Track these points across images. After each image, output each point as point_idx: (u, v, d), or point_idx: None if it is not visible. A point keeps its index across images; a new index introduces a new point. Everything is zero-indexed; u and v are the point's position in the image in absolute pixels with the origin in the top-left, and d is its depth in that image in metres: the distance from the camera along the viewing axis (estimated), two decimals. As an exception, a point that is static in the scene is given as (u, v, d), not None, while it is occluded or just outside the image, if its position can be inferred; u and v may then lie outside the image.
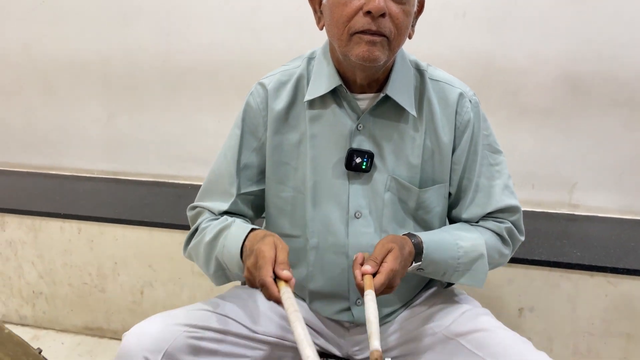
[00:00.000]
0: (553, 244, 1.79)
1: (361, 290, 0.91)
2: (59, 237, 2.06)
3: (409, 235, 1.03)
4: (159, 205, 2.15)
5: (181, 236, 1.91)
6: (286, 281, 0.86)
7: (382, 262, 0.93)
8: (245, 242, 1.00)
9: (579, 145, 2.01)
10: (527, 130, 2.03)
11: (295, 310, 0.79)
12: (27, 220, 2.08)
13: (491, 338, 1.02)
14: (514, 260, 1.70)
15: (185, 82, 2.34)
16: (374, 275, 0.92)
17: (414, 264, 1.02)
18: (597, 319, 1.68)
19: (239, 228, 1.04)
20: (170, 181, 2.46)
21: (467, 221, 1.15)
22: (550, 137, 2.02)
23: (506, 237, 1.13)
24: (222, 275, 1.11)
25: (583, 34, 1.91)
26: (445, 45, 2.02)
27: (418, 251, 1.01)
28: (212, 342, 1.01)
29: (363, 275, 0.91)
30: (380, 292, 0.92)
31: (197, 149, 2.40)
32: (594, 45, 1.91)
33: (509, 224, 1.14)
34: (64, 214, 2.04)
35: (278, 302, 0.85)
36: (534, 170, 2.07)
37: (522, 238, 1.18)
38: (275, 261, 0.89)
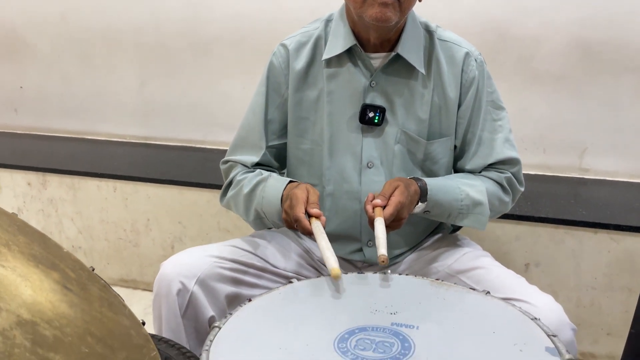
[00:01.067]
0: (560, 204, 1.88)
1: (372, 222, 1.03)
2: (96, 196, 2.22)
3: (415, 178, 1.14)
4: (188, 167, 2.29)
5: (209, 195, 2.07)
6: (317, 218, 1.01)
7: (390, 196, 1.04)
8: (284, 192, 1.12)
9: (590, 110, 2.07)
10: (540, 95, 2.10)
11: (322, 233, 0.94)
12: (67, 180, 2.24)
13: (488, 274, 1.13)
14: (520, 218, 1.80)
15: (211, 50, 2.45)
16: (383, 208, 1.03)
17: (419, 205, 1.12)
18: (599, 273, 1.77)
19: (277, 181, 1.17)
20: (198, 146, 2.60)
21: (470, 171, 1.25)
22: (562, 103, 2.09)
23: (506, 186, 1.23)
24: (260, 222, 1.25)
25: (595, 0, 1.96)
26: (462, 13, 2.08)
27: (423, 192, 1.12)
28: (238, 273, 1.14)
29: (374, 208, 1.03)
30: (389, 224, 1.03)
31: (223, 114, 2.51)
32: (606, 12, 1.96)
33: (509, 174, 1.23)
34: (100, 174, 2.19)
35: (310, 233, 0.99)
36: (546, 135, 2.13)
37: (522, 188, 1.28)
38: (307, 202, 1.02)
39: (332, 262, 0.87)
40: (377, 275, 0.84)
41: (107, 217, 2.24)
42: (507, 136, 1.24)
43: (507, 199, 1.25)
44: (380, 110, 1.18)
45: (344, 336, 0.62)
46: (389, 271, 0.87)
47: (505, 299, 1.06)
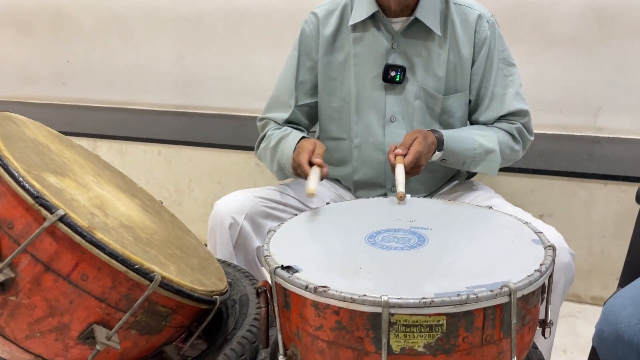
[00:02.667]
0: (574, 160, 2.00)
1: (394, 169, 1.18)
2: (142, 159, 2.42)
3: (433, 130, 1.29)
4: (224, 133, 2.47)
5: (245, 156, 2.25)
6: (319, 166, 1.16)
7: (410, 146, 1.20)
8: (298, 144, 1.29)
9: (604, 72, 2.17)
10: (555, 58, 2.21)
11: (315, 173, 1.11)
12: (116, 145, 2.45)
13: (500, 210, 1.28)
14: (535, 172, 1.93)
15: (244, 23, 2.61)
16: (404, 157, 1.19)
17: (437, 153, 1.27)
18: (609, 222, 1.90)
19: (293, 137, 1.33)
20: (232, 113, 2.78)
21: (484, 123, 1.39)
22: (576, 65, 2.19)
23: (516, 135, 1.37)
24: (282, 173, 1.42)
25: (609, -35, 2.05)
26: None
27: (440, 142, 1.27)
28: (278, 211, 1.32)
29: (395, 156, 1.19)
30: (409, 170, 1.19)
31: (254, 84, 2.68)
32: (619, -24, 2.05)
33: (519, 125, 1.37)
34: (146, 139, 2.39)
35: (307, 177, 1.14)
36: (562, 96, 2.25)
37: (532, 138, 1.41)
38: (313, 153, 1.18)
39: (311, 183, 1.04)
40: (392, 198, 1.00)
41: (152, 179, 2.44)
42: (518, 90, 1.37)
43: (517, 147, 1.39)
44: (401, 70, 1.33)
45: (372, 234, 0.79)
46: (409, 195, 1.03)
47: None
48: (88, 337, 0.73)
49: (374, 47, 1.34)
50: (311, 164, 1.17)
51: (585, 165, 1.94)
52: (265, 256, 0.74)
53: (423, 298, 0.59)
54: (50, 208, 0.68)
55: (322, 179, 1.15)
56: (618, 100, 2.20)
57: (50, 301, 0.70)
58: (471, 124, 1.43)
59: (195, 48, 2.74)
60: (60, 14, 2.90)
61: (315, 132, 1.52)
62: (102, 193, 0.87)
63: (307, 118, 1.47)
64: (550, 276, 0.74)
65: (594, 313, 1.83)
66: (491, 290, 0.61)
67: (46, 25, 2.96)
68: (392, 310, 0.60)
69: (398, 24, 1.33)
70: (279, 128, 1.42)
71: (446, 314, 0.60)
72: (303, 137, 1.32)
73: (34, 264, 0.69)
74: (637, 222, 1.41)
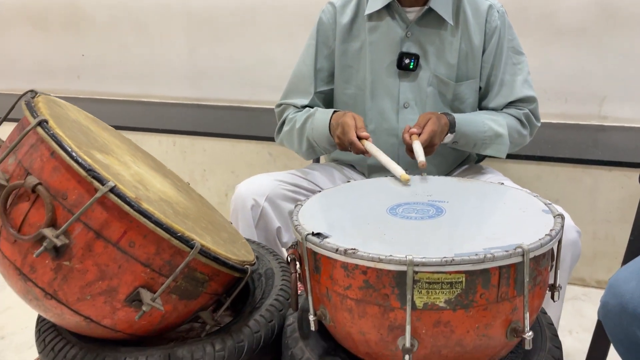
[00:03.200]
0: (580, 148, 2.06)
1: (409, 148, 1.24)
2: (158, 149, 2.49)
3: (445, 113, 1.35)
4: (236, 123, 2.53)
5: (258, 146, 2.32)
6: (366, 139, 1.24)
7: (424, 126, 1.25)
8: (331, 121, 1.35)
9: (609, 62, 2.22)
10: (562, 49, 2.26)
11: (378, 150, 1.18)
12: (131, 136, 2.48)
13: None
14: (541, 159, 1.99)
15: (254, 17, 2.67)
16: (419, 135, 1.24)
17: (449, 135, 1.33)
18: (614, 207, 1.96)
19: (323, 113, 1.39)
20: (244, 105, 2.84)
21: (493, 109, 1.45)
22: (582, 55, 2.24)
23: (524, 120, 1.43)
24: (312, 151, 1.47)
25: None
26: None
27: (452, 125, 1.33)
28: (296, 194, 1.38)
29: (410, 136, 1.24)
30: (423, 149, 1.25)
31: (266, 76, 2.74)
32: (624, -33, 2.10)
33: (527, 111, 1.43)
34: (161, 129, 2.46)
35: (363, 152, 1.21)
36: (567, 86, 2.30)
37: (539, 123, 1.47)
38: (356, 127, 1.24)
39: (398, 170, 1.09)
40: (417, 177, 1.07)
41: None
42: (526, 77, 1.43)
43: (525, 132, 1.45)
44: (415, 57, 1.39)
45: (393, 207, 0.85)
46: (425, 173, 1.09)
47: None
48: (134, 299, 0.79)
49: (389, 35, 1.40)
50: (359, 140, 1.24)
51: (590, 152, 1.99)
52: (295, 225, 0.80)
53: (444, 257, 0.66)
54: (101, 180, 0.74)
55: None
56: (622, 90, 2.25)
57: (100, 266, 0.76)
58: (481, 110, 1.49)
59: (207, 41, 2.80)
60: (75, 9, 2.96)
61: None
62: (139, 171, 0.93)
63: (324, 104, 1.53)
64: (559, 243, 0.81)
65: (599, 296, 1.89)
66: (506, 251, 0.67)
67: (61, 20, 3.03)
68: (416, 269, 0.66)
69: (412, 13, 1.38)
70: (299, 111, 1.48)
71: (465, 272, 0.66)
72: (335, 112, 1.37)
73: (86, 232, 0.75)
74: (640, 202, 1.46)
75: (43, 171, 0.76)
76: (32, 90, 0.88)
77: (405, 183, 1.01)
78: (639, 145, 2.05)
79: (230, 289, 0.95)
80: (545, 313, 0.93)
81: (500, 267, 0.67)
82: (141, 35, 2.90)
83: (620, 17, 2.16)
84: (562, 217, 0.78)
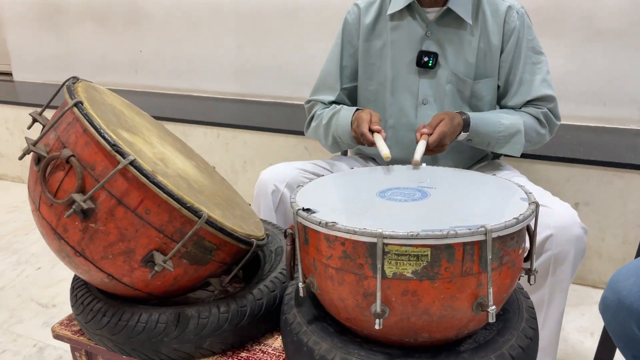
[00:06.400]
0: (613, 150, 2.04)
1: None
2: (203, 141, 2.64)
3: (461, 112, 1.40)
4: (277, 118, 2.65)
5: (295, 140, 2.42)
6: (377, 132, 1.30)
7: (436, 127, 1.32)
8: (352, 118, 1.43)
9: (650, 64, 2.19)
10: (600, 51, 2.24)
11: (380, 139, 1.25)
12: (180, 127, 2.68)
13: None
14: (572, 161, 1.99)
15: (297, 17, 2.78)
16: (429, 136, 1.31)
17: (462, 134, 1.38)
18: (644, 212, 1.93)
19: (347, 110, 1.48)
20: (286, 102, 2.96)
21: (512, 108, 1.49)
22: (621, 58, 2.22)
23: (542, 119, 1.46)
24: (336, 146, 1.57)
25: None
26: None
27: (466, 123, 1.38)
28: (316, 182, 1.48)
29: (421, 135, 1.31)
30: (433, 148, 1.31)
31: (307, 74, 2.84)
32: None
33: (545, 110, 1.46)
34: (206, 122, 2.61)
35: (372, 144, 1.28)
36: (606, 90, 2.28)
37: (558, 122, 1.50)
38: (370, 121, 1.32)
39: (384, 149, 1.17)
40: (411, 167, 1.14)
41: (211, 160, 2.63)
42: (545, 77, 1.46)
43: (543, 131, 1.47)
44: (434, 56, 1.45)
45: (383, 190, 0.93)
46: (424, 164, 1.16)
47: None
48: (148, 261, 0.91)
49: (410, 34, 1.46)
50: (371, 132, 1.31)
51: (623, 155, 1.98)
52: (291, 202, 0.89)
53: (411, 232, 0.73)
54: (123, 154, 0.86)
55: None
56: (664, 94, 2.21)
57: (121, 229, 0.88)
58: (501, 108, 1.53)
59: (254, 39, 2.94)
60: (135, 8, 3.17)
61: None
62: (163, 151, 1.05)
63: (350, 100, 1.62)
64: (535, 230, 0.86)
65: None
66: (469, 229, 0.73)
67: (122, 18, 3.25)
68: (385, 241, 0.74)
69: (432, 13, 1.45)
70: (327, 107, 1.57)
71: (430, 246, 0.74)
72: (357, 110, 1.45)
73: (109, 198, 0.87)
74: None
75: (76, 145, 0.89)
76: (74, 77, 1.01)
77: (386, 159, 1.08)
78: (676, 150, 2.01)
79: (240, 260, 1.06)
80: (528, 298, 0.98)
81: (464, 244, 0.74)
82: (193, 33, 3.08)
83: (662, 20, 2.13)
84: (537, 205, 0.84)
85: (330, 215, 0.82)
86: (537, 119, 1.46)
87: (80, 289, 1.04)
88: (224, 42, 3.01)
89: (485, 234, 0.74)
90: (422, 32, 1.45)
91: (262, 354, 1.00)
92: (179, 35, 3.12)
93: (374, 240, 0.74)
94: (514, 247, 0.80)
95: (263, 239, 1.07)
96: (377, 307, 0.77)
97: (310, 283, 0.87)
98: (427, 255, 0.74)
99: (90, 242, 0.89)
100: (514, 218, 0.77)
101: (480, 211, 0.84)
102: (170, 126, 2.68)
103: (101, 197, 0.87)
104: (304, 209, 0.84)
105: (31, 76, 3.69)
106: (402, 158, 1.54)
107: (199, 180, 1.07)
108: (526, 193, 0.89)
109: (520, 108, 1.48)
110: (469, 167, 1.57)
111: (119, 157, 0.86)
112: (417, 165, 1.14)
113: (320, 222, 0.79)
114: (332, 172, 1.52)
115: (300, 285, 0.88)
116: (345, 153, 1.85)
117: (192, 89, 3.19)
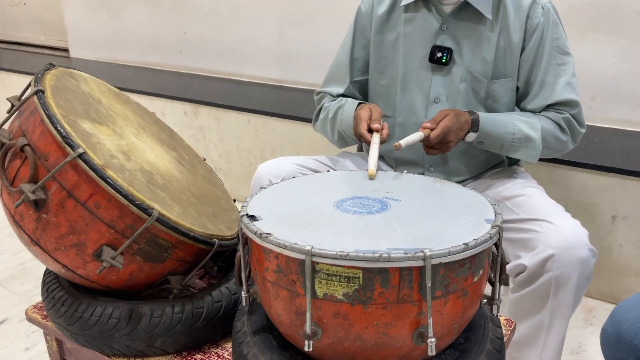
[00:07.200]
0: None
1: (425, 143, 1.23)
2: (234, 126, 2.64)
3: (470, 112, 1.29)
4: (310, 107, 2.59)
5: (323, 130, 2.36)
6: (377, 131, 1.23)
7: (439, 121, 1.22)
8: (355, 113, 1.36)
9: None
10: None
11: (375, 144, 1.18)
12: (214, 111, 2.69)
13: (529, 200, 1.27)
14: (610, 170, 1.82)
15: (341, 4, 2.70)
16: (431, 130, 1.22)
17: (471, 134, 1.28)
18: (690, 231, 1.75)
19: (350, 105, 1.41)
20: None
21: (531, 111, 1.36)
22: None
23: (564, 125, 1.33)
24: (343, 141, 1.51)
25: None
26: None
27: (475, 123, 1.27)
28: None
29: (423, 129, 1.22)
30: (437, 145, 1.22)
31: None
32: None
33: (568, 115, 1.33)
34: (238, 107, 2.60)
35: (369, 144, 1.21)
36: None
37: (583, 130, 1.36)
38: (370, 119, 1.25)
39: (370, 165, 1.09)
40: (394, 173, 1.05)
41: (242, 145, 2.65)
42: (569, 80, 1.33)
43: (564, 138, 1.34)
44: (448, 51, 1.35)
45: (343, 200, 0.86)
46: (405, 171, 1.07)
47: (529, 219, 1.21)
48: (99, 255, 0.89)
49: (424, 27, 1.37)
50: (370, 131, 1.25)
51: (669, 166, 1.79)
52: (242, 206, 0.85)
53: (341, 251, 0.67)
54: (73, 146, 0.84)
55: (383, 142, 1.23)
56: None
57: (71, 222, 0.87)
58: (520, 111, 1.41)
59: (295, 24, 2.88)
60: (182, -10, 3.20)
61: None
62: (135, 142, 1.03)
63: (361, 94, 1.55)
64: (501, 258, 0.77)
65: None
66: (405, 253, 0.66)
67: (170, -1, 3.29)
68: (315, 259, 0.68)
69: (449, 6, 1.34)
70: (334, 100, 1.51)
71: (362, 268, 0.67)
72: (360, 104, 1.39)
73: (60, 190, 0.86)
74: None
75: (34, 134, 0.88)
76: (50, 63, 1.01)
77: (370, 178, 1.00)
78: None
79: (217, 259, 1.03)
80: (499, 327, 0.89)
81: (400, 269, 0.67)
82: (237, 16, 3.06)
83: None
84: (500, 229, 0.75)
85: (271, 225, 0.77)
86: (558, 124, 1.34)
87: (49, 275, 1.05)
88: (266, 26, 2.98)
89: (424, 259, 0.66)
90: (437, 26, 1.35)
91: (217, 358, 0.97)
92: (222, 17, 3.11)
93: (303, 257, 0.69)
94: (466, 274, 0.72)
95: (232, 239, 1.04)
96: (307, 328, 0.71)
97: (255, 292, 0.83)
98: (358, 277, 0.68)
99: (44, 233, 0.89)
100: (463, 243, 0.69)
101: (433, 232, 0.76)
102: (205, 109, 2.70)
103: (52, 188, 0.86)
104: (248, 216, 0.80)
105: (86, 53, 3.82)
106: (410, 159, 1.46)
107: (170, 174, 1.04)
108: (496, 213, 0.80)
109: (540, 112, 1.36)
110: (483, 172, 1.47)
111: (68, 149, 0.84)
112: (397, 149, 1.07)
113: (256, 232, 0.74)
114: (331, 169, 1.48)
115: (243, 295, 0.84)
116: (360, 148, 1.77)
117: (233, 72, 3.19)
